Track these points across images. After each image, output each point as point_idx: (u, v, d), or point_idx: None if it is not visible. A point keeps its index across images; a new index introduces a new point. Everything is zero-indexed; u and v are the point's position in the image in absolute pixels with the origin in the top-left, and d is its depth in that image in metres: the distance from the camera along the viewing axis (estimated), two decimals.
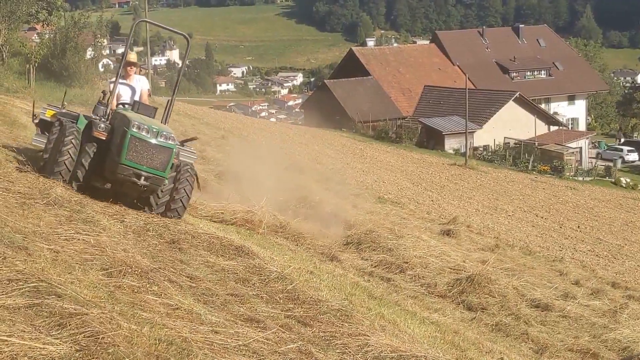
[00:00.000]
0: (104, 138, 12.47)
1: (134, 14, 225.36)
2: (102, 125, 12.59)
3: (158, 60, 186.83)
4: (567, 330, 13.70)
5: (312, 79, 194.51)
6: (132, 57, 14.36)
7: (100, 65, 59.18)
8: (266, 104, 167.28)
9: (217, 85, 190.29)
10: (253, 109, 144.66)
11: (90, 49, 47.84)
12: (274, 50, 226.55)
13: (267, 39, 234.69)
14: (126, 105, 13.53)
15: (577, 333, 13.33)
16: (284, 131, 59.63)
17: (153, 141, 12.13)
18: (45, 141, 13.59)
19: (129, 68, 14.12)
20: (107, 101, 13.38)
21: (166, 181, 12.60)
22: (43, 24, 48.15)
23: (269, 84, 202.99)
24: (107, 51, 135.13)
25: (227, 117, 67.87)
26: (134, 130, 12.04)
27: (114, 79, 14.12)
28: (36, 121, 14.47)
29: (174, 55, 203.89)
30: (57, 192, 10.99)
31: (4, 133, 18.61)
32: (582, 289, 18.70)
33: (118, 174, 12.14)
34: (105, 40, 57.58)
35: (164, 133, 12.29)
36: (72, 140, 12.25)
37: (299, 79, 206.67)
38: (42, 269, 7.03)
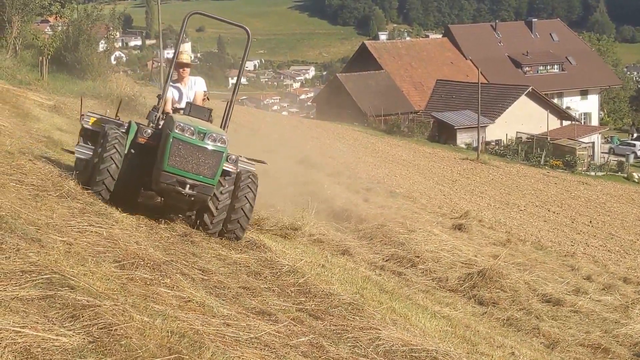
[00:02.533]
0: (144, 142, 11.45)
1: (146, 7, 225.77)
2: (148, 130, 11.57)
3: (170, 54, 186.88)
4: (579, 325, 13.69)
5: (324, 73, 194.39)
6: (185, 57, 12.78)
7: (112, 58, 59.28)
8: (278, 97, 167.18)
9: (229, 78, 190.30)
10: (265, 102, 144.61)
11: (102, 41, 47.90)
12: (286, 43, 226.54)
13: (279, 32, 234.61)
14: (180, 112, 12.21)
15: (588, 328, 13.31)
16: (295, 125, 59.64)
17: (199, 144, 10.85)
18: (89, 152, 12.37)
19: (181, 70, 12.71)
20: (163, 105, 12.16)
21: (221, 200, 11.28)
22: (56, 17, 48.21)
23: (281, 78, 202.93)
24: (120, 44, 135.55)
25: (239, 110, 67.79)
26: (177, 132, 10.83)
27: (170, 84, 12.69)
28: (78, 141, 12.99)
29: (187, 48, 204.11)
30: (70, 184, 11.02)
31: (18, 125, 18.68)
32: (593, 284, 18.65)
33: (161, 183, 10.93)
34: (117, 33, 57.78)
35: (213, 134, 10.96)
36: (116, 146, 11.10)
37: (311, 72, 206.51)
38: (55, 260, 7.06)
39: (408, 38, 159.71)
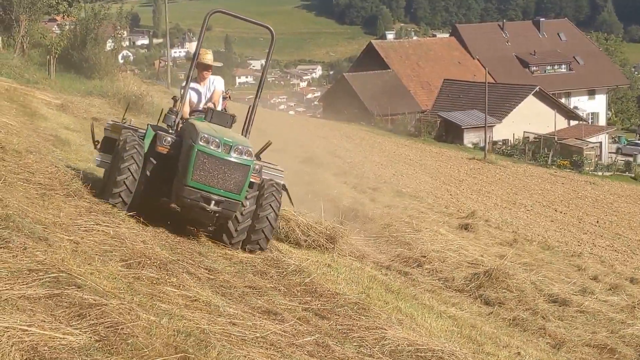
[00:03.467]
0: (166, 152, 10.75)
1: (153, 6, 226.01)
2: (168, 139, 10.79)
3: (177, 53, 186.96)
4: (585, 325, 13.68)
5: (331, 72, 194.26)
6: (209, 58, 12.05)
7: (120, 56, 59.37)
8: (285, 96, 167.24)
9: (236, 77, 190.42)
10: (272, 101, 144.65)
11: (110, 40, 48.01)
12: (293, 43, 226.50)
13: (286, 31, 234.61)
14: (197, 114, 11.66)
15: (594, 328, 13.31)
16: (302, 124, 59.69)
17: (225, 157, 10.15)
18: (107, 161, 11.87)
19: (204, 72, 12.02)
20: (178, 109, 11.47)
21: (245, 206, 10.70)
22: (63, 16, 48.38)
23: (288, 77, 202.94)
24: (127, 43, 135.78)
25: (246, 109, 67.81)
26: (202, 144, 10.11)
27: (185, 83, 12.12)
28: (99, 146, 12.45)
29: (194, 47, 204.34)
30: (77, 183, 11.06)
31: (25, 124, 18.72)
32: (600, 285, 18.63)
33: (184, 198, 10.23)
34: (125, 32, 57.86)
35: (239, 146, 10.26)
36: (134, 156, 10.44)
37: (318, 72, 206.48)
38: (62, 259, 7.09)
39: (415, 37, 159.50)
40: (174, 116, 11.36)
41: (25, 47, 41.43)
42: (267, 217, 10.70)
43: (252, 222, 10.70)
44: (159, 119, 11.96)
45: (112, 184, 10.47)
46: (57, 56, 40.13)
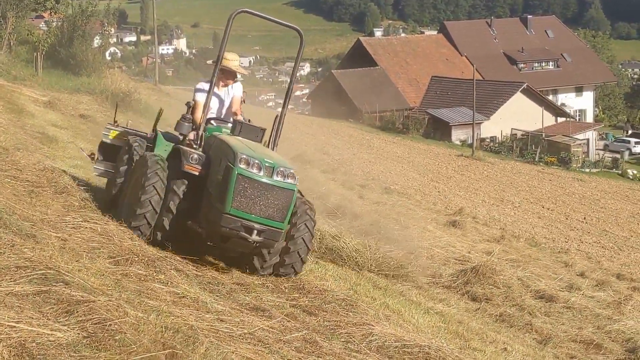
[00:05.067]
0: (198, 173, 9.64)
1: (141, 3, 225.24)
2: (195, 156, 9.68)
3: (165, 49, 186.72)
4: (571, 321, 13.75)
5: (320, 69, 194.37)
6: (235, 65, 10.84)
7: (107, 53, 59.24)
8: (273, 93, 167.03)
9: None
10: (260, 98, 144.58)
11: (97, 37, 47.91)
12: (282, 40, 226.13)
13: (274, 28, 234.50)
14: (214, 122, 10.58)
15: (581, 324, 13.38)
16: (290, 121, 59.46)
17: (267, 181, 9.12)
18: (110, 170, 11.38)
19: (228, 80, 10.86)
20: (201, 118, 10.37)
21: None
22: (50, 12, 48.19)
23: (277, 74, 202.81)
24: (115, 40, 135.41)
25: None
26: (242, 166, 9.04)
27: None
28: (97, 157, 11.82)
29: (182, 44, 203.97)
30: (65, 180, 11.05)
31: (12, 121, 18.68)
32: (587, 281, 18.74)
33: (222, 227, 9.13)
34: (112, 29, 57.65)
35: (281, 169, 9.22)
36: (156, 185, 9.44)
37: (306, 69, 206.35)
38: (50, 256, 7.08)
39: (403, 34, 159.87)
40: (188, 124, 10.35)
41: (12, 43, 41.31)
42: (302, 239, 9.74)
43: (285, 246, 9.70)
44: (156, 121, 11.40)
45: (132, 211, 9.47)
46: (44, 53, 40.03)
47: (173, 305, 7.36)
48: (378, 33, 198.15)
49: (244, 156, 9.05)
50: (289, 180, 9.21)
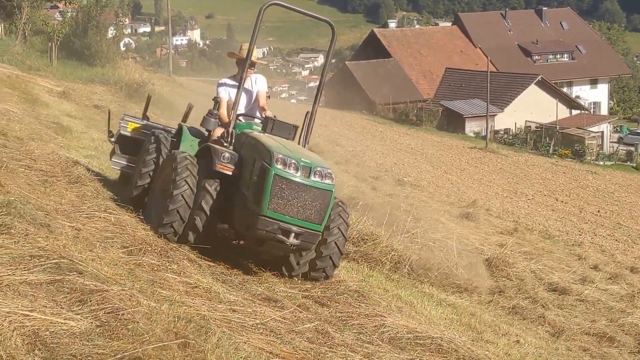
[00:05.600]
0: (231, 173, 9.31)
1: None
2: (227, 155, 9.33)
3: (179, 40, 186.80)
4: (584, 314, 13.72)
5: (334, 61, 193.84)
6: (254, 54, 10.50)
7: (122, 44, 59.34)
8: (287, 85, 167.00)
9: None
10: (274, 89, 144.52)
11: (111, 28, 47.99)
12: (296, 31, 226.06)
13: (288, 19, 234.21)
14: (242, 119, 10.25)
15: (594, 317, 13.35)
16: (303, 112, 59.49)
17: (305, 182, 8.83)
18: (129, 164, 11.19)
19: (248, 70, 10.42)
20: (230, 115, 10.05)
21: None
22: (65, 2, 48.30)
23: (290, 65, 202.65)
24: (129, 30, 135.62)
25: None
26: (279, 167, 8.74)
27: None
28: (113, 139, 11.66)
29: (195, 35, 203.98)
30: (79, 170, 11.08)
31: (27, 111, 18.76)
32: (600, 274, 18.67)
33: (258, 230, 8.82)
34: (126, 20, 57.76)
35: (318, 169, 8.94)
36: (187, 179, 9.18)
37: (320, 60, 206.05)
38: (64, 246, 7.12)
39: (417, 26, 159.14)
40: (214, 120, 10.09)
41: (27, 34, 41.44)
42: (335, 242, 9.40)
43: (317, 249, 9.38)
44: (185, 116, 11.16)
45: (163, 212, 9.18)
46: (58, 43, 40.11)
47: (186, 295, 7.39)
48: (392, 24, 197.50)
49: (281, 156, 8.77)
50: (327, 181, 8.94)
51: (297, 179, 8.77)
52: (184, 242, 9.18)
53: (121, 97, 31.10)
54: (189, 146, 10.13)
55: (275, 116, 10.03)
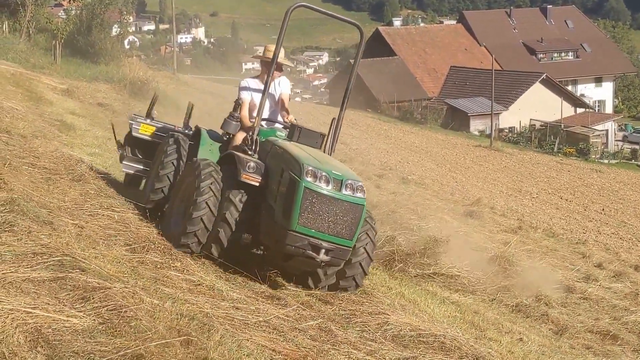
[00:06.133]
0: (258, 184, 8.90)
1: None
2: (253, 165, 8.91)
3: (183, 38, 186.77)
4: (588, 312, 13.72)
5: (338, 59, 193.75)
6: (280, 55, 9.89)
7: (126, 42, 59.37)
8: (291, 83, 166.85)
9: (243, 63, 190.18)
10: None
11: (116, 26, 48.02)
12: (300, 29, 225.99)
13: (292, 17, 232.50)
14: (264, 124, 9.79)
15: (597, 315, 13.35)
16: (308, 111, 59.60)
17: (337, 196, 8.44)
18: (142, 167, 10.95)
19: (274, 72, 9.87)
20: (254, 119, 9.59)
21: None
22: (69, 0, 48.34)
23: (295, 63, 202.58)
24: (133, 28, 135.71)
25: None
26: (309, 180, 8.36)
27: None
28: (122, 142, 11.35)
29: (200, 33, 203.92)
30: (82, 168, 11.09)
31: (30, 109, 18.78)
32: (604, 272, 18.66)
33: (287, 245, 8.43)
34: (131, 18, 57.79)
35: (350, 181, 8.57)
36: (212, 186, 8.77)
37: (325, 58, 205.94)
38: (67, 243, 7.12)
39: (422, 24, 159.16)
40: (234, 122, 9.69)
41: (31, 32, 41.47)
42: (364, 249, 9.00)
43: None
44: (188, 115, 11.06)
45: (186, 219, 8.77)
46: (62, 41, 40.15)
47: (189, 292, 7.39)
48: (397, 23, 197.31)
49: (311, 168, 8.39)
50: (359, 194, 8.57)
51: (328, 193, 8.40)
52: (206, 253, 8.81)
53: (125, 95, 31.13)
54: (208, 151, 9.76)
55: (296, 119, 9.85)
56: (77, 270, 6.49)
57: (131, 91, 32.27)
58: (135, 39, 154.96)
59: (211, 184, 8.74)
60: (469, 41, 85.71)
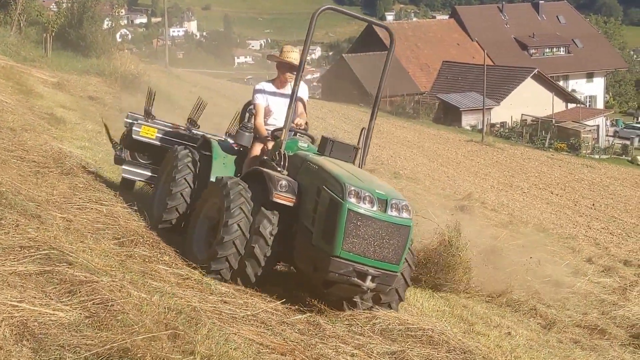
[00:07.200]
0: (292, 205, 8.29)
1: None
2: (284, 183, 8.27)
3: (176, 32, 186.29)
4: (576, 306, 13.74)
5: (331, 53, 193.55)
6: (293, 57, 9.49)
7: (117, 35, 59.20)
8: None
9: (235, 57, 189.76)
10: None
11: (107, 19, 47.87)
12: (293, 23, 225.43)
13: (286, 11, 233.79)
14: (280, 133, 8.93)
15: (586, 309, 13.38)
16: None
17: (383, 218, 7.85)
18: (144, 173, 10.57)
19: (289, 74, 9.47)
20: (270, 126, 9.16)
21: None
22: None
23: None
24: (125, 21, 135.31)
25: (245, 89, 67.83)
26: (352, 201, 7.75)
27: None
28: (120, 146, 10.88)
29: (192, 26, 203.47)
30: (71, 161, 11.08)
31: (21, 102, 18.73)
32: (593, 266, 18.71)
33: (330, 272, 7.82)
34: (122, 11, 57.63)
35: (394, 201, 7.98)
36: (242, 207, 8.15)
37: (317, 52, 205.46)
38: (54, 237, 7.12)
39: (415, 19, 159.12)
40: (248, 134, 9.17)
41: (22, 24, 41.27)
42: (401, 274, 8.43)
43: None
44: (197, 110, 10.74)
45: (216, 244, 8.15)
46: (53, 34, 39.99)
47: (177, 286, 7.40)
48: (389, 17, 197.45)
49: (354, 188, 7.79)
50: (405, 215, 7.98)
51: (373, 214, 7.78)
52: (239, 278, 8.18)
53: (116, 89, 31.04)
54: (222, 165, 9.29)
55: (307, 123, 9.43)
56: (65, 264, 6.49)
57: (122, 84, 32.19)
58: (127, 32, 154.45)
59: (242, 204, 8.12)
60: (461, 36, 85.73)
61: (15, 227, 7.12)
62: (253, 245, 8.08)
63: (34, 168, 10.13)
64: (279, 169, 8.54)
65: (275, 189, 8.14)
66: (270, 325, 7.14)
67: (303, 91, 9.50)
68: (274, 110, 9.41)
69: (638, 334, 12.20)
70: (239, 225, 8.05)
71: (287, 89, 9.43)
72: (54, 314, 5.56)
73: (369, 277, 7.82)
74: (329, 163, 8.35)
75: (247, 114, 9.51)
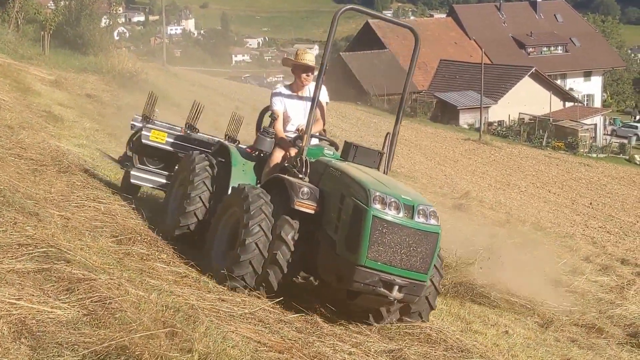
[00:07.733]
0: (314, 212, 8.05)
1: None
2: (306, 190, 8.02)
3: (173, 30, 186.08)
4: (574, 305, 13.73)
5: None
6: (308, 58, 9.37)
7: (115, 33, 59.18)
8: (281, 75, 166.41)
9: (233, 56, 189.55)
10: (268, 80, 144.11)
11: (105, 17, 47.85)
12: (290, 21, 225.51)
13: (283, 9, 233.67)
14: (297, 138, 8.84)
15: (583, 308, 13.37)
16: None
17: (408, 224, 7.56)
18: (155, 179, 10.41)
19: (304, 75, 9.32)
20: (299, 135, 8.81)
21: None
22: None
23: (285, 56, 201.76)
24: (123, 19, 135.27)
25: (242, 88, 67.93)
26: (377, 207, 7.47)
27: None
28: (129, 154, 10.66)
29: (190, 24, 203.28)
30: (69, 159, 11.07)
31: (18, 100, 18.71)
32: (590, 265, 18.71)
33: (355, 283, 7.55)
34: (120, 9, 57.60)
35: (421, 207, 7.71)
36: (262, 224, 7.90)
37: (315, 51, 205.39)
38: (52, 234, 7.12)
39: (412, 17, 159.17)
40: (269, 139, 8.96)
41: (19, 22, 41.26)
42: (431, 281, 8.07)
43: None
44: (195, 115, 10.50)
45: (232, 262, 7.92)
46: (51, 32, 39.98)
47: (175, 284, 7.40)
48: (387, 15, 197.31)
49: (378, 194, 7.52)
50: (432, 221, 7.70)
51: (400, 221, 7.50)
52: (262, 285, 7.96)
53: (114, 87, 31.03)
54: (242, 172, 9.03)
55: (324, 130, 9.29)
56: (62, 262, 6.49)
57: (120, 82, 32.18)
58: (125, 30, 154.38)
59: (261, 221, 7.86)
60: (459, 35, 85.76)
61: (13, 224, 7.12)
62: (275, 252, 7.85)
63: (32, 166, 10.12)
64: (300, 175, 8.37)
65: (296, 196, 7.93)
66: (268, 323, 7.15)
67: (323, 94, 9.21)
68: (291, 115, 9.26)
69: (635, 333, 12.19)
70: (260, 226, 7.85)
71: (305, 93, 9.30)
72: (52, 312, 5.56)
73: (396, 287, 7.55)
74: (352, 169, 8.13)
75: (261, 116, 9.40)
